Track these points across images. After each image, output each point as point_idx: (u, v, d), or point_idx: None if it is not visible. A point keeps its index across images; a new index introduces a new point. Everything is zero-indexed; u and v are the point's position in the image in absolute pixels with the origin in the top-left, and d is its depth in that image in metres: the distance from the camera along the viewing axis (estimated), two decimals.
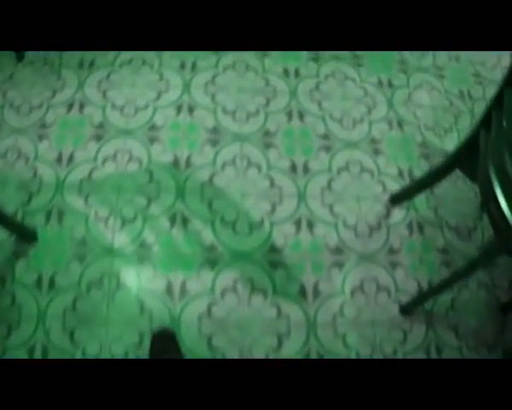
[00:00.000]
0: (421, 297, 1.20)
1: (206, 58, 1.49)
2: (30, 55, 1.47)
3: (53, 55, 1.46)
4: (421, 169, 1.39)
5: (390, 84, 1.54)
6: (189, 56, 1.49)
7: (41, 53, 1.46)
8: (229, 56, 1.50)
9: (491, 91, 1.60)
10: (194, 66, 1.46)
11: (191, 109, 1.38)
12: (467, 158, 1.13)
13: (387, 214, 1.32)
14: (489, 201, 0.93)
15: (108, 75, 1.42)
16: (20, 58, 1.47)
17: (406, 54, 1.62)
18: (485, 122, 1.02)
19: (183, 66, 1.46)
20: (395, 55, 1.60)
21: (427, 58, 1.63)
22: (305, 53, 1.55)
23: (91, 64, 1.45)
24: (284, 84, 1.47)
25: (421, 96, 1.54)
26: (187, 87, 1.42)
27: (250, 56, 1.52)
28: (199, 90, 1.42)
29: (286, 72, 1.49)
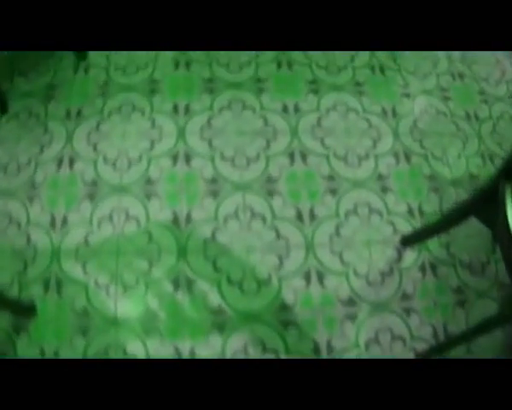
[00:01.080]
0: (438, 349, 1.19)
1: (199, 99, 1.45)
2: (14, 107, 1.42)
3: (38, 106, 1.41)
4: (431, 204, 1.37)
5: (394, 113, 1.50)
6: (182, 99, 1.45)
7: (25, 104, 1.42)
8: (224, 95, 1.46)
9: (497, 109, 1.58)
10: (187, 109, 1.42)
11: (188, 158, 1.35)
12: (483, 206, 1.11)
13: (399, 258, 1.30)
14: (508, 248, 0.92)
15: (97, 125, 1.38)
16: (3, 111, 1.42)
17: (409, 76, 1.58)
18: (506, 171, 1.00)
19: (175, 109, 1.42)
20: (398, 79, 1.56)
21: (431, 79, 1.59)
22: (303, 85, 1.51)
23: (79, 114, 1.40)
24: (284, 123, 1.43)
25: (427, 122, 1.51)
26: (181, 133, 1.39)
27: (246, 94, 1.48)
28: (194, 135, 1.38)
29: (285, 108, 1.46)
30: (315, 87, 1.52)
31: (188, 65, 1.52)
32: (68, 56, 1.53)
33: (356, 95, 1.53)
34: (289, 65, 1.56)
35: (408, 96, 1.56)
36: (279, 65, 1.55)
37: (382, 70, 1.60)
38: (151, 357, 1.15)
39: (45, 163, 1.35)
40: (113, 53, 1.54)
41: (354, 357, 1.19)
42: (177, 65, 1.52)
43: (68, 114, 1.42)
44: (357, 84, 1.55)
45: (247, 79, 1.51)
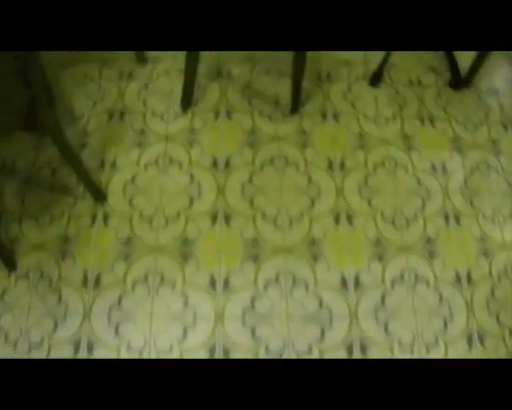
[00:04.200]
0: None
1: (241, 270, 1.40)
2: (23, 262, 1.34)
3: (50, 265, 1.33)
4: None
5: (469, 279, 1.36)
6: (221, 269, 1.35)
7: (36, 260, 1.35)
8: (271, 265, 1.39)
9: None
10: (226, 283, 1.35)
11: (226, 352, 1.24)
12: None
13: None
14: None
15: (120, 300, 1.31)
16: (11, 267, 1.33)
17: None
18: None
19: (212, 284, 1.33)
20: (474, 243, 1.41)
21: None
22: (367, 247, 1.39)
23: (97, 281, 1.33)
24: (343, 304, 1.30)
25: None
26: (219, 319, 1.29)
27: (298, 263, 1.37)
28: (234, 322, 1.28)
29: (343, 282, 1.35)
30: (380, 250, 1.39)
31: (227, 220, 1.42)
32: (85, 198, 1.46)
33: (427, 260, 1.41)
34: (349, 219, 1.41)
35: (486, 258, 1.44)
36: (337, 220, 1.41)
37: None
38: None
39: (60, 345, 1.30)
40: (137, 197, 1.43)
41: None
42: (214, 219, 1.40)
43: (85, 279, 1.34)
44: (429, 243, 1.43)
45: (299, 242, 1.40)
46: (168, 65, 1.75)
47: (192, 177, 1.51)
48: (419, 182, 1.57)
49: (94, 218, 1.44)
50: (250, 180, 1.52)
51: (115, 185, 1.50)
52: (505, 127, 1.75)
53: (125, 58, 1.77)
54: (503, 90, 1.85)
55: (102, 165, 1.53)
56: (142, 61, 1.74)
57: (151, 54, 1.79)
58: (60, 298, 1.38)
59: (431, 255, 1.46)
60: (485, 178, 1.62)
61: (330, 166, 1.56)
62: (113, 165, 1.53)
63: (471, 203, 1.56)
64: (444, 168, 1.61)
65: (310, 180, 1.53)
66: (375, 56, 1.82)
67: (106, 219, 1.45)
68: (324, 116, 1.66)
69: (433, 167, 1.60)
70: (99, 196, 1.48)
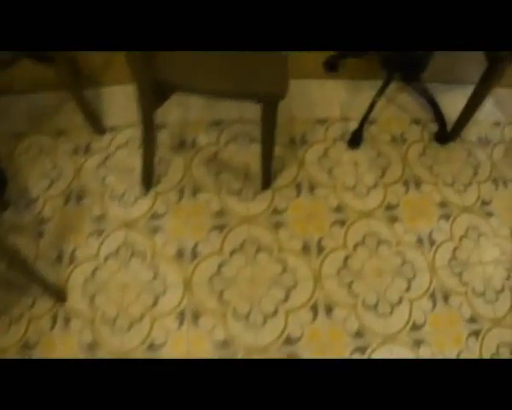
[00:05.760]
0: None
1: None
2: None
3: None
4: None
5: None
6: None
7: None
8: None
9: None
10: None
11: None
12: None
13: None
14: None
15: None
16: None
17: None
18: None
19: None
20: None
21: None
22: (347, 340, 1.28)
23: None
24: None
25: None
26: None
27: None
28: None
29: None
30: (362, 343, 1.34)
31: (195, 319, 1.38)
32: (44, 296, 1.36)
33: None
34: (328, 310, 1.36)
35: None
36: (314, 313, 1.33)
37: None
38: None
39: None
40: (98, 295, 1.36)
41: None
42: (181, 319, 1.37)
43: None
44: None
45: (274, 342, 1.37)
46: (128, 135, 1.67)
47: (156, 271, 1.45)
48: (404, 260, 1.51)
49: (54, 320, 1.38)
50: (219, 271, 1.45)
51: (75, 282, 1.43)
52: (496, 184, 1.69)
53: (81, 128, 1.67)
54: (493, 139, 1.75)
55: (60, 257, 1.46)
56: (99, 131, 1.65)
57: (109, 123, 1.69)
58: None
59: (417, 344, 1.39)
60: (475, 246, 1.55)
61: (306, 248, 1.49)
62: (72, 257, 1.47)
63: (460, 279, 1.50)
64: (431, 240, 1.54)
65: (284, 268, 1.46)
66: (354, 112, 1.74)
67: (67, 321, 1.38)
68: (299, 190, 1.59)
69: (420, 240, 1.54)
70: (58, 295, 1.43)
